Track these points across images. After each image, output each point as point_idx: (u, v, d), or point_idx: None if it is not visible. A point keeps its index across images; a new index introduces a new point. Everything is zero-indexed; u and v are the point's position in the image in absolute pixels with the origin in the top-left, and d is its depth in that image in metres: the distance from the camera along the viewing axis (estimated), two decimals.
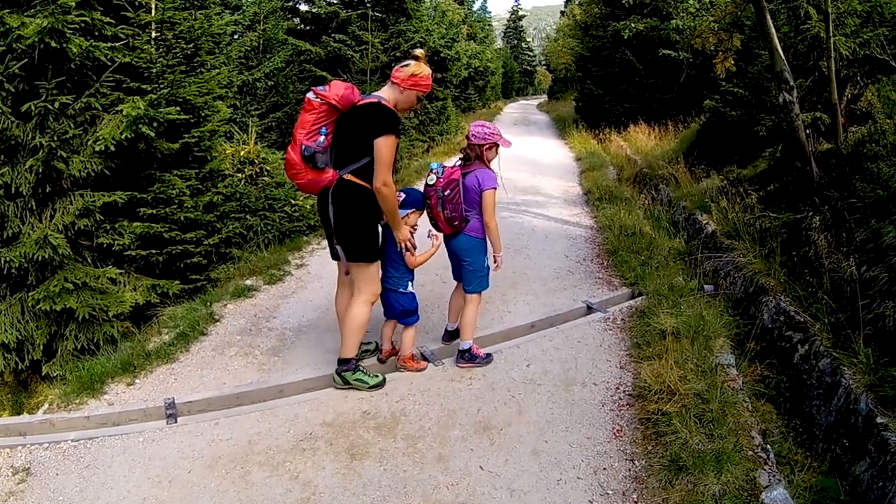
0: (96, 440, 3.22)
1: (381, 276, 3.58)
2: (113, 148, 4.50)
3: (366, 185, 3.26)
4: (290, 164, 3.24)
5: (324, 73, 11.55)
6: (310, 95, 3.22)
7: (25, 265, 4.30)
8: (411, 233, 3.55)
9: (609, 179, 9.91)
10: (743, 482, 2.74)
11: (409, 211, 3.56)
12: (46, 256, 4.23)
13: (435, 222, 3.68)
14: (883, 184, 4.34)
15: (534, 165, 11.77)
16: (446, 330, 4.21)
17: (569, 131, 17.21)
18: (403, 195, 3.56)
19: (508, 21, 60.54)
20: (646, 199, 8.35)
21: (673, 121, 12.23)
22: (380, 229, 3.52)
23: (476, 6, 38.81)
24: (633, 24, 14.08)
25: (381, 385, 3.67)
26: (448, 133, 15.19)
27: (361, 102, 3.26)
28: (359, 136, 3.22)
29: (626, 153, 12.20)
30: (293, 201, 7.04)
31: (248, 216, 6.54)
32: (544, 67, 60.07)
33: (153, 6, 5.37)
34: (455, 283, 4.07)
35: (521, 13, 60.23)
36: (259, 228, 6.59)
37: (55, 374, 4.42)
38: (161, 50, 5.42)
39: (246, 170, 7.03)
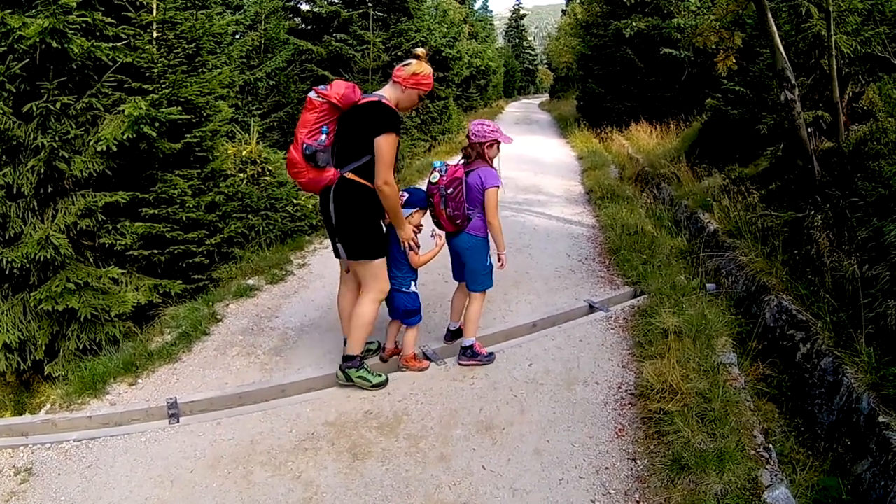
0: (98, 440, 3.23)
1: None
2: (115, 148, 4.50)
3: (367, 183, 3.26)
4: (291, 162, 3.26)
5: (325, 73, 11.56)
6: (311, 95, 3.23)
7: (27, 265, 4.31)
8: (416, 232, 3.56)
9: (611, 178, 9.90)
10: (745, 481, 2.74)
11: (413, 210, 3.56)
12: (48, 257, 4.23)
13: (437, 220, 3.68)
14: (885, 182, 4.33)
15: (536, 164, 11.76)
16: (448, 329, 4.21)
17: (570, 130, 17.21)
18: (407, 195, 3.56)
19: (510, 20, 60.50)
20: (648, 198, 8.34)
21: (674, 119, 12.21)
22: (383, 227, 3.52)
23: (477, 5, 38.95)
24: (634, 23, 14.07)
25: (383, 384, 3.67)
26: (450, 132, 15.19)
27: (362, 101, 3.26)
28: (360, 134, 3.22)
29: (627, 152, 12.19)
30: (295, 201, 7.04)
31: (249, 216, 6.54)
32: (546, 66, 60.06)
33: (154, 6, 5.38)
34: (457, 282, 4.07)
35: (522, 12, 60.08)
36: (261, 228, 6.59)
37: (57, 375, 4.43)
38: (162, 50, 5.43)
39: (248, 169, 7.03)
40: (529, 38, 67.18)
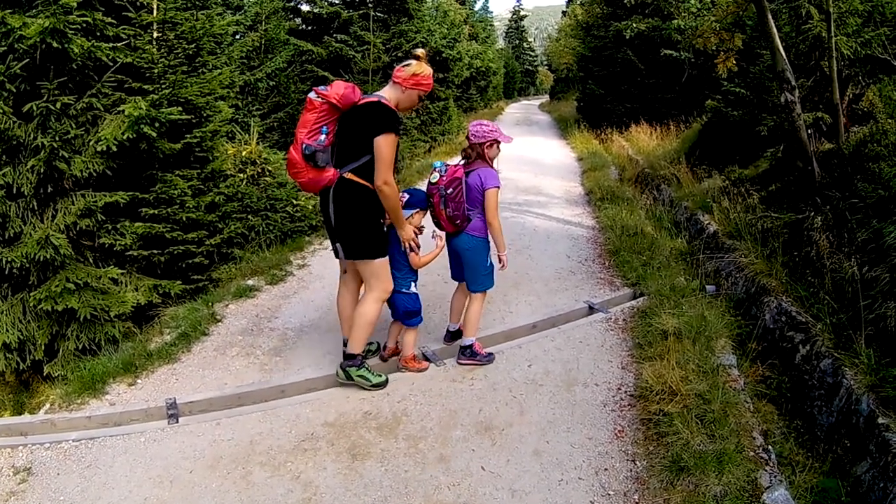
0: (98, 440, 3.23)
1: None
2: (115, 148, 4.50)
3: (366, 183, 3.26)
4: (291, 162, 3.27)
5: (325, 74, 11.56)
6: (311, 95, 3.24)
7: (27, 265, 4.31)
8: (417, 234, 3.56)
9: (611, 179, 9.90)
10: (744, 483, 2.74)
11: (414, 211, 3.56)
12: (48, 256, 4.23)
13: (437, 220, 3.68)
14: (884, 184, 4.33)
15: (535, 165, 11.76)
16: (448, 330, 4.21)
17: (570, 131, 17.21)
18: (407, 195, 3.56)
19: (510, 21, 60.51)
20: (647, 200, 8.35)
21: (675, 121, 12.22)
22: (384, 227, 3.52)
23: (478, 6, 38.97)
24: (634, 24, 14.08)
25: (383, 385, 3.67)
26: (450, 133, 15.20)
27: (362, 102, 3.27)
28: (359, 134, 3.23)
29: (627, 153, 12.19)
30: (295, 201, 7.05)
31: (249, 216, 6.54)
32: (546, 67, 60.08)
33: (155, 6, 5.38)
34: (456, 283, 4.07)
35: (522, 13, 60.17)
36: (261, 228, 6.59)
37: (56, 374, 4.43)
38: (163, 50, 5.43)
39: (248, 170, 7.04)
40: (529, 40, 67.20)
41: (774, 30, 5.29)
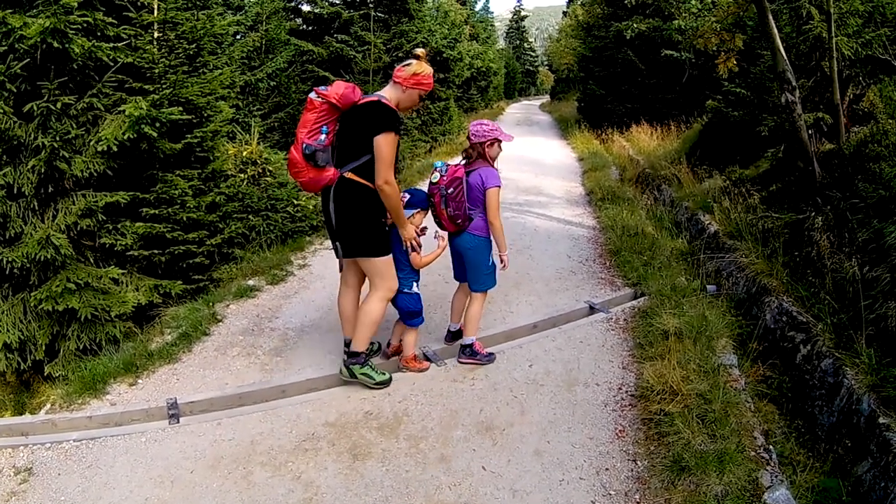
0: (98, 440, 3.23)
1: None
2: (115, 148, 4.51)
3: (366, 182, 3.27)
4: (292, 162, 3.28)
5: (326, 74, 11.56)
6: (312, 95, 3.25)
7: (28, 265, 4.31)
8: (419, 234, 3.56)
9: (611, 180, 9.91)
10: (745, 482, 2.74)
11: (415, 211, 3.56)
12: (49, 257, 4.23)
13: (439, 220, 3.68)
14: (885, 184, 4.33)
15: (536, 166, 11.76)
16: (449, 330, 4.21)
17: (571, 131, 17.22)
18: (408, 195, 3.56)
19: (511, 21, 60.52)
20: (648, 200, 8.35)
21: (675, 121, 12.21)
22: (386, 227, 3.51)
23: (478, 6, 38.94)
24: (635, 25, 14.06)
25: (386, 383, 3.67)
26: (450, 133, 15.21)
27: (362, 101, 3.27)
28: (359, 134, 3.23)
29: (628, 153, 12.19)
30: (296, 201, 7.05)
31: (250, 216, 6.55)
32: (546, 68, 60.08)
33: (156, 6, 5.38)
34: (458, 283, 4.07)
35: (523, 13, 60.18)
36: (261, 229, 6.59)
37: (57, 375, 4.43)
38: (163, 50, 5.43)
39: (248, 170, 7.04)
40: (530, 40, 67.19)
41: (775, 30, 5.28)
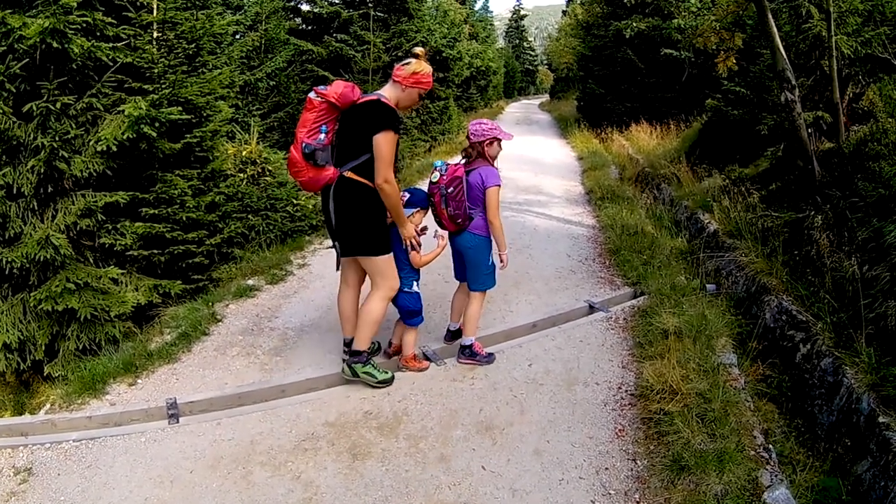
0: (98, 440, 3.23)
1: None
2: (115, 148, 4.50)
3: (366, 182, 3.26)
4: (292, 161, 3.28)
5: (326, 73, 11.56)
6: (311, 94, 3.25)
7: (27, 265, 4.31)
8: (419, 233, 3.56)
9: (611, 179, 9.91)
10: (745, 482, 2.74)
11: (414, 210, 3.56)
12: (48, 257, 4.23)
13: (439, 220, 3.68)
14: (885, 183, 4.33)
15: (536, 165, 11.75)
16: (448, 330, 4.21)
17: (570, 130, 17.22)
18: (408, 195, 3.56)
19: (510, 20, 60.47)
20: (648, 199, 8.35)
21: (675, 120, 12.21)
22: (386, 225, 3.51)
23: (478, 6, 38.95)
24: (634, 24, 14.08)
25: (389, 381, 3.67)
26: (450, 132, 15.19)
27: (361, 100, 3.27)
28: (358, 133, 3.23)
29: (627, 152, 12.19)
30: (295, 201, 7.04)
31: (249, 216, 6.54)
32: (546, 67, 60.05)
33: (155, 6, 5.37)
34: (458, 282, 4.07)
35: (522, 12, 60.07)
36: (261, 228, 6.59)
37: (57, 375, 4.43)
38: (163, 50, 5.43)
39: (248, 170, 7.04)
40: (530, 39, 67.14)
41: (774, 29, 5.28)
